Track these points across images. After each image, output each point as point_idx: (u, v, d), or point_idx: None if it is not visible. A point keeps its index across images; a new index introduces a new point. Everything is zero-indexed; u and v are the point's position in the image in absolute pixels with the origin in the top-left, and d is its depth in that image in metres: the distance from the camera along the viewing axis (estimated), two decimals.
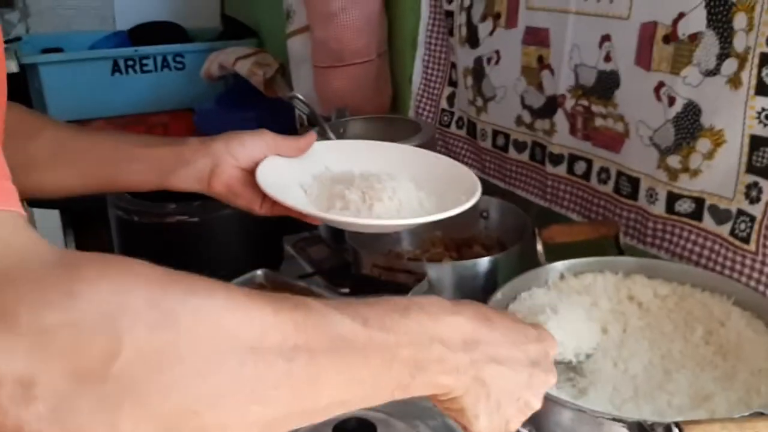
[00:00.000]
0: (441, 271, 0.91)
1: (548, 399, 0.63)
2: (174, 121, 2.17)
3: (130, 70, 2.12)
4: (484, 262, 0.91)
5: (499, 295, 0.79)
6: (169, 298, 0.33)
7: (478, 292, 0.90)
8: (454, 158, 1.25)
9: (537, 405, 0.54)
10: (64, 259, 0.33)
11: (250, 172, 0.72)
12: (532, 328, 0.55)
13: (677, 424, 0.53)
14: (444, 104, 1.30)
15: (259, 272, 1.01)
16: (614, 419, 0.59)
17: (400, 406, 0.68)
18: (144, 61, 2.13)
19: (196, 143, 0.73)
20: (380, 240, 1.03)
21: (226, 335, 0.35)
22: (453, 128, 1.28)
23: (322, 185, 0.76)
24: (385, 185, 0.74)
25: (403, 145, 0.88)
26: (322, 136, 1.14)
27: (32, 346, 0.29)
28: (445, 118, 1.30)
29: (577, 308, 0.74)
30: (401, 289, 0.87)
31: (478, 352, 0.49)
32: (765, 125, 0.74)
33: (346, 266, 1.03)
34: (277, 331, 0.37)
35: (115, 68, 2.10)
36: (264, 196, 0.72)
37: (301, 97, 1.09)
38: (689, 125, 0.82)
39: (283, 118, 1.80)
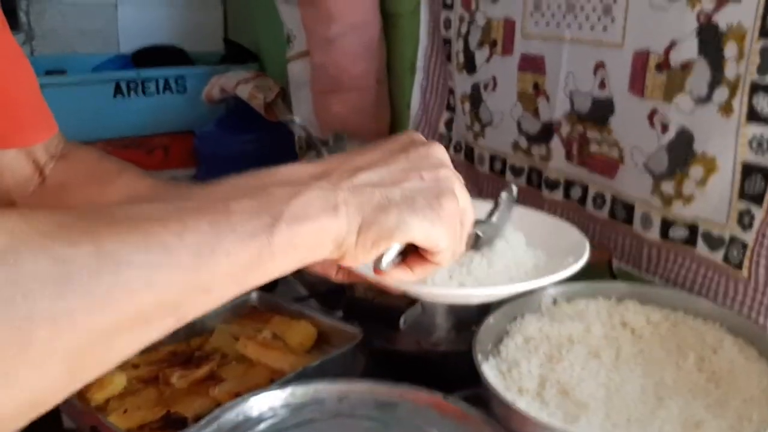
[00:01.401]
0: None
1: (540, 425, 0.63)
2: (175, 143, 2.18)
3: (132, 92, 2.13)
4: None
5: (491, 320, 0.79)
6: None
7: (472, 316, 0.90)
8: None
9: (444, 172, 0.47)
10: None
11: None
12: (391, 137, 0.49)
13: None
14: (442, 129, 1.31)
15: (252, 295, 1.01)
16: None
17: (391, 430, 0.68)
18: (146, 84, 2.14)
19: None
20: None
21: None
22: (451, 153, 1.29)
23: None
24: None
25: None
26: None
27: None
28: (443, 143, 1.31)
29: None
30: (394, 312, 0.87)
31: (333, 175, 0.42)
32: (757, 152, 0.75)
33: (341, 290, 1.03)
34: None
35: (118, 90, 2.11)
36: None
37: (298, 120, 1.10)
38: (682, 152, 0.82)
39: (283, 142, 1.82)
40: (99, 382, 0.79)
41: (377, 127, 1.49)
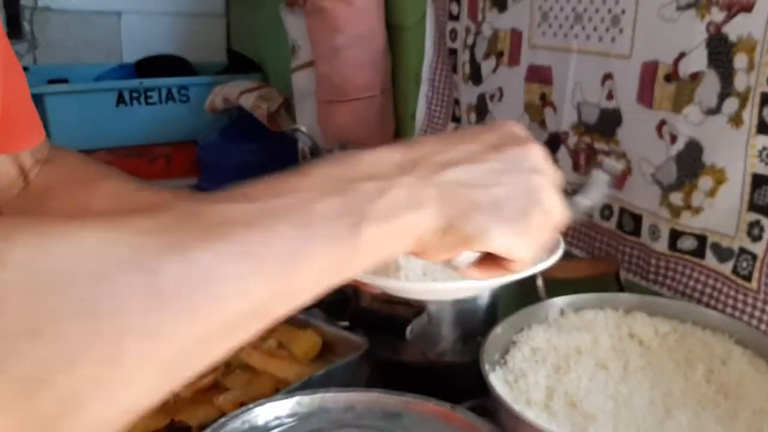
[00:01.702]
0: (441, 305, 0.91)
1: None
2: (177, 153, 2.18)
3: (134, 101, 2.13)
4: (484, 297, 0.91)
5: (498, 330, 0.79)
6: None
7: (479, 326, 0.90)
8: None
9: (539, 178, 0.43)
10: None
11: None
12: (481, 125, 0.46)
13: None
14: None
15: None
16: None
17: None
18: (149, 93, 2.15)
19: None
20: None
21: (48, 277, 0.27)
22: None
23: None
24: None
25: None
26: None
27: None
28: None
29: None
30: (400, 322, 0.86)
31: (421, 168, 0.39)
32: (766, 164, 0.74)
33: (346, 300, 1.02)
34: (122, 247, 0.29)
35: (120, 100, 2.11)
36: None
37: (304, 129, 1.09)
38: (691, 163, 0.82)
39: (286, 152, 1.81)
40: None
41: (381, 137, 1.49)
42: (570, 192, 0.56)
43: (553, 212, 0.44)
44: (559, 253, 0.65)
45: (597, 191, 0.61)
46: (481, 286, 0.60)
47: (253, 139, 1.93)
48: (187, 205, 0.32)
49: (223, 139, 2.01)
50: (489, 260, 0.46)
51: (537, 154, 0.45)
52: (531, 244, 0.43)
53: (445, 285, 0.63)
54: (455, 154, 0.41)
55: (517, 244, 0.43)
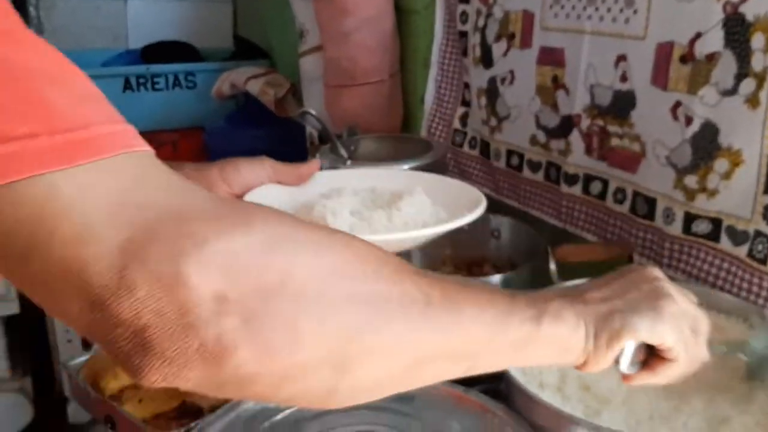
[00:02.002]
0: None
1: (564, 417, 0.62)
2: (184, 139, 2.18)
3: (141, 87, 2.13)
4: (494, 281, 0.90)
5: None
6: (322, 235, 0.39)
7: None
8: (467, 178, 1.25)
9: (664, 290, 0.55)
10: (225, 200, 0.39)
11: None
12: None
13: None
14: (457, 124, 1.30)
15: None
16: None
17: (412, 421, 0.67)
18: (155, 79, 2.14)
19: (191, 169, 0.71)
20: None
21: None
22: (466, 148, 1.28)
23: (310, 207, 0.72)
24: (392, 205, 0.71)
25: (408, 171, 0.85)
26: (334, 153, 1.14)
27: (223, 266, 0.33)
28: (458, 138, 1.30)
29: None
30: None
31: (573, 294, 0.53)
32: None
33: None
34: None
35: (127, 86, 2.10)
36: None
37: (313, 112, 1.08)
38: (706, 145, 0.81)
39: (293, 138, 1.81)
40: (113, 372, 0.78)
41: (390, 121, 1.48)
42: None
43: (682, 303, 0.55)
44: (482, 208, 0.71)
45: None
46: (407, 237, 0.67)
47: (261, 125, 1.92)
48: (531, 310, 0.48)
49: (230, 125, 2.00)
50: (653, 360, 0.56)
51: (655, 271, 0.57)
52: (671, 327, 0.53)
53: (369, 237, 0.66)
54: (593, 285, 0.55)
55: (659, 328, 0.52)
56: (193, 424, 0.67)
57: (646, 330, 0.52)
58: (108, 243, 0.32)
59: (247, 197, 0.68)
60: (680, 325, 0.54)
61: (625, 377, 0.57)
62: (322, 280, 0.36)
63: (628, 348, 0.53)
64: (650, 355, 0.56)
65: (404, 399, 0.71)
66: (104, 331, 0.33)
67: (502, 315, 0.46)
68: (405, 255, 1.04)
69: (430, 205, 0.74)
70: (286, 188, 0.74)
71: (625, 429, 0.64)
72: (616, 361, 0.54)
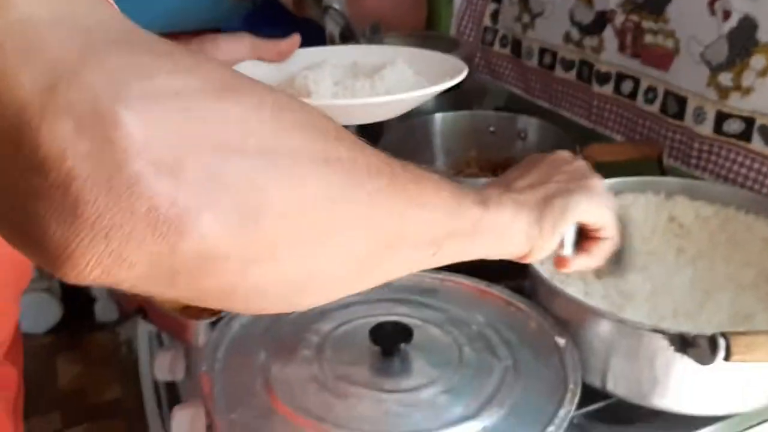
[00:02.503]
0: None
1: (587, 310, 0.63)
2: None
3: None
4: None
5: None
6: (281, 94, 0.33)
7: None
8: (497, 78, 1.23)
9: (583, 168, 0.57)
10: (178, 45, 0.30)
11: None
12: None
13: (723, 335, 0.52)
14: (487, 21, 1.26)
15: None
16: (655, 330, 0.58)
17: (437, 313, 0.68)
18: None
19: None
20: (414, 160, 1.02)
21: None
22: (497, 47, 1.25)
23: (291, 79, 0.72)
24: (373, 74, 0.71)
25: (390, 46, 0.84)
26: None
27: (175, 111, 0.26)
28: (488, 36, 1.26)
29: None
30: None
31: (494, 189, 0.51)
32: None
33: None
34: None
35: None
36: None
37: (337, 7, 1.06)
38: (744, 41, 0.78)
39: (312, 38, 1.77)
40: None
41: (414, 20, 1.44)
42: None
43: (600, 180, 0.57)
44: (463, 74, 0.72)
45: None
46: (379, 101, 0.66)
47: (279, 25, 1.88)
48: (472, 196, 0.45)
49: (248, 25, 1.95)
50: (587, 243, 0.57)
51: (566, 154, 0.59)
52: (605, 203, 0.55)
53: (348, 102, 0.67)
54: (513, 175, 0.54)
55: (595, 206, 0.53)
56: (223, 314, 0.69)
57: (586, 210, 0.53)
58: (44, 56, 0.25)
59: None
60: (608, 202, 0.56)
61: (561, 263, 0.58)
62: (289, 136, 0.30)
63: (568, 231, 0.55)
64: (582, 238, 0.57)
65: (428, 291, 0.72)
66: (20, 183, 0.24)
67: (456, 195, 0.43)
68: (428, 156, 1.03)
69: (412, 74, 0.74)
70: (267, 64, 0.73)
71: (648, 324, 0.65)
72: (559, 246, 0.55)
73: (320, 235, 0.32)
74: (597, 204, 0.54)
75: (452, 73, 0.72)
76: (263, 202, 0.28)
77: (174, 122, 0.26)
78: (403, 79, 0.72)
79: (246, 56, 0.72)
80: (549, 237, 0.51)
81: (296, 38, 0.74)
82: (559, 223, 0.51)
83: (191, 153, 0.26)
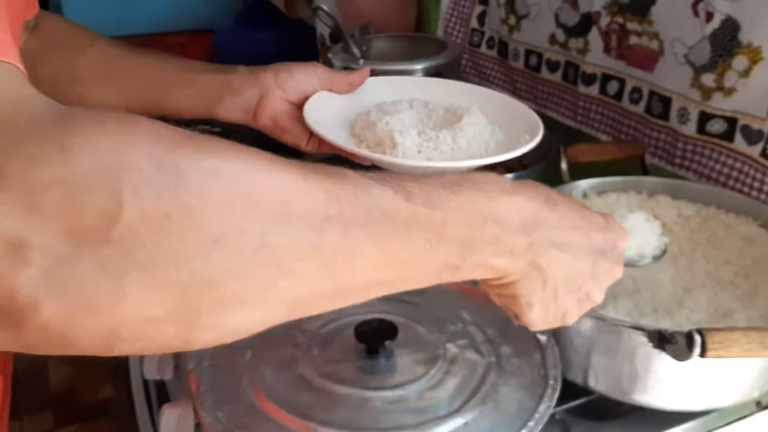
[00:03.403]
0: None
1: None
2: (192, 43, 2.15)
3: None
4: (506, 179, 0.90)
5: None
6: (179, 157, 0.30)
7: None
8: (484, 79, 1.24)
9: (599, 298, 0.49)
10: (60, 113, 0.29)
11: (299, 107, 0.69)
12: (600, 215, 0.49)
13: (699, 331, 0.53)
14: (474, 23, 1.27)
15: None
16: (634, 327, 0.59)
17: (422, 311, 0.69)
18: None
19: (245, 72, 0.70)
20: None
21: (245, 200, 0.31)
22: (483, 48, 1.26)
23: (371, 123, 0.70)
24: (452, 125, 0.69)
25: (461, 82, 0.81)
26: (347, 52, 1.13)
27: (23, 204, 0.26)
28: (476, 38, 1.27)
29: (639, 211, 0.69)
30: None
31: (537, 235, 0.43)
32: None
33: None
34: (306, 198, 0.33)
35: None
36: (312, 133, 0.68)
37: (326, 8, 1.06)
38: (726, 42, 0.79)
39: (304, 39, 1.78)
40: None
41: (403, 21, 1.45)
42: None
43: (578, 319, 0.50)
44: (540, 133, 0.68)
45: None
46: (473, 165, 0.63)
47: (270, 26, 1.89)
48: (363, 181, 0.37)
49: (240, 27, 1.96)
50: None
51: (614, 277, 0.49)
52: (545, 328, 0.49)
53: (441, 164, 0.64)
54: (568, 241, 0.45)
55: (538, 326, 0.48)
56: None
57: (530, 321, 0.48)
58: None
59: (307, 106, 0.68)
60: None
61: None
62: (160, 226, 0.28)
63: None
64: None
65: (414, 291, 0.72)
66: None
67: (415, 259, 0.38)
68: None
69: (487, 124, 0.71)
70: (339, 96, 0.73)
71: (629, 320, 0.66)
72: None
73: (201, 318, 0.32)
74: (543, 326, 0.49)
75: (522, 122, 0.70)
76: (121, 291, 0.29)
77: (19, 214, 0.26)
78: (481, 131, 0.69)
79: (318, 86, 0.71)
80: (493, 293, 0.48)
81: (366, 71, 0.74)
82: (506, 300, 0.47)
83: (36, 246, 0.27)
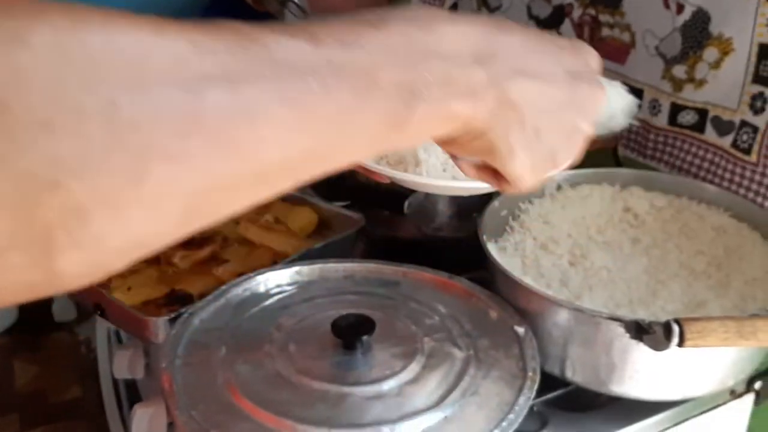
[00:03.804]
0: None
1: (546, 299, 0.64)
2: None
3: None
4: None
5: (496, 203, 0.79)
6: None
7: (475, 202, 0.90)
8: None
9: (588, 127, 0.41)
10: None
11: None
12: (562, 38, 0.42)
13: (677, 321, 0.53)
14: None
15: None
16: (612, 318, 0.60)
17: (397, 305, 0.68)
18: None
19: None
20: None
21: (76, 68, 0.23)
22: None
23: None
24: None
25: None
26: None
27: None
28: None
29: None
30: (398, 197, 0.86)
31: (495, 65, 0.36)
32: None
33: (339, 178, 1.02)
34: (164, 52, 0.26)
35: None
36: None
37: (296, 1, 1.05)
38: (697, 34, 0.80)
39: None
40: None
41: None
42: None
43: (573, 159, 0.43)
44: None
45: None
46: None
47: (237, 19, 1.86)
48: (247, 28, 0.29)
49: (206, 19, 1.94)
50: (489, 169, 0.43)
51: (598, 101, 0.42)
52: (538, 179, 0.42)
53: (467, 184, 0.59)
54: (534, 66, 0.38)
55: (528, 177, 0.41)
56: (182, 310, 0.68)
57: (517, 174, 0.40)
58: None
59: None
60: (549, 173, 0.42)
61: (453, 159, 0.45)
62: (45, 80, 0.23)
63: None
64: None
65: (389, 283, 0.72)
66: None
67: (341, 116, 0.31)
68: None
69: None
70: None
71: (606, 312, 0.66)
72: None
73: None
74: (534, 177, 0.41)
75: None
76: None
77: None
78: None
79: None
80: (467, 150, 0.40)
81: None
82: (485, 154, 0.39)
83: None
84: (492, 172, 0.43)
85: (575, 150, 0.42)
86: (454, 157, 0.43)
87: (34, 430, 1.77)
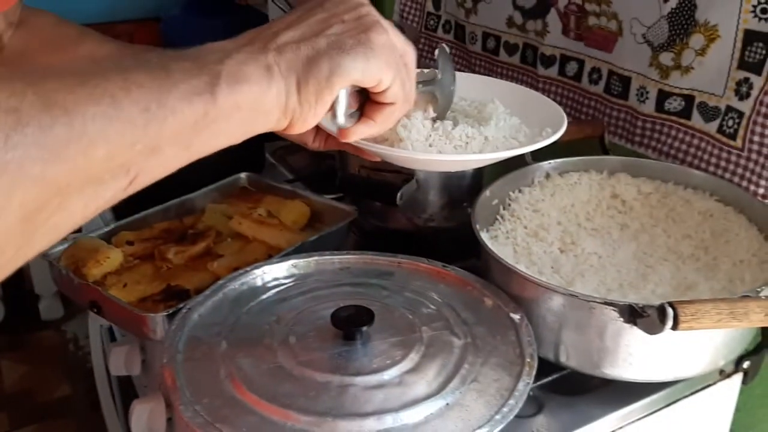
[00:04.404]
0: (429, 172, 0.91)
1: (540, 285, 0.65)
2: (140, 31, 2.10)
3: None
4: None
5: (487, 193, 0.80)
6: None
7: (465, 192, 0.91)
8: None
9: (370, 17, 0.46)
10: None
11: None
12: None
13: (671, 304, 0.54)
14: (430, 7, 1.27)
15: (242, 175, 1.00)
16: (605, 303, 0.61)
17: (394, 295, 0.69)
18: None
19: None
20: None
21: None
22: (440, 32, 1.26)
23: None
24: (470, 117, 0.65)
25: (481, 76, 0.75)
26: None
27: None
28: (432, 21, 1.27)
29: None
30: (390, 189, 0.86)
31: (256, 42, 0.42)
32: (760, 19, 0.74)
33: (329, 172, 1.02)
34: None
35: None
36: (318, 130, 0.60)
37: None
38: (683, 21, 0.81)
39: (254, 26, 1.75)
40: (95, 259, 0.79)
41: None
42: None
43: (392, 33, 0.47)
44: (564, 126, 0.65)
45: (445, 70, 0.62)
46: (487, 158, 0.60)
47: (219, 13, 1.85)
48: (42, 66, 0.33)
49: (187, 14, 1.92)
50: (370, 108, 0.49)
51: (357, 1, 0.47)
52: (386, 63, 0.46)
53: (454, 157, 0.60)
54: (282, 23, 0.44)
55: (372, 66, 0.45)
56: (180, 306, 0.69)
57: (359, 72, 0.45)
58: None
59: None
60: (392, 57, 0.47)
61: (342, 133, 0.51)
62: None
63: (341, 96, 0.48)
64: (366, 102, 0.50)
65: (385, 274, 0.73)
66: None
67: (153, 100, 0.35)
68: None
69: (509, 117, 0.67)
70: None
71: (599, 297, 0.67)
72: (333, 116, 0.48)
73: None
74: (377, 64, 0.45)
75: (548, 119, 0.67)
76: None
77: None
78: (501, 125, 0.64)
79: None
80: (312, 106, 0.44)
81: None
82: (324, 90, 0.44)
83: None
84: (372, 109, 0.49)
85: (379, 20, 0.47)
86: (341, 132, 0.50)
87: (24, 428, 1.76)
